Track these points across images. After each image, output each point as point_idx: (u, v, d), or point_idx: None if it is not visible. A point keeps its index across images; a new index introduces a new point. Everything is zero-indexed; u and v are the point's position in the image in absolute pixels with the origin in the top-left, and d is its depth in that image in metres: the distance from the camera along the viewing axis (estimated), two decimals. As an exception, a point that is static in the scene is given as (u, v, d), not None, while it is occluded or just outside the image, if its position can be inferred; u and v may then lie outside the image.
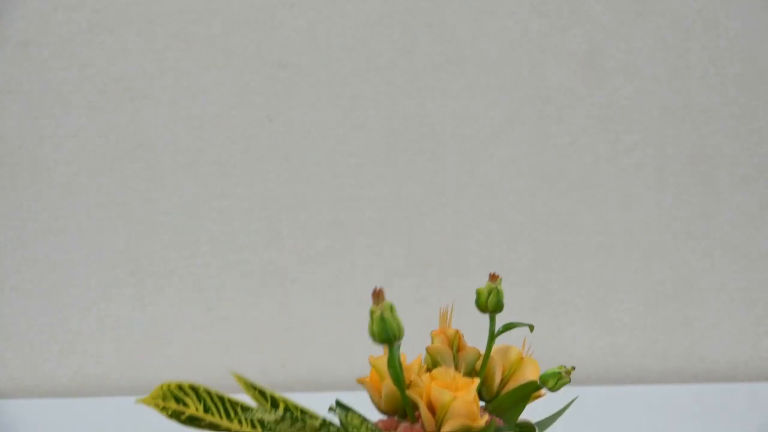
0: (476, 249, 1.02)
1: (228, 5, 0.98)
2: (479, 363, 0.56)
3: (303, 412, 0.51)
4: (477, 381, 0.51)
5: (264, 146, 1.00)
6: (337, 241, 1.01)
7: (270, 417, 0.50)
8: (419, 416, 0.51)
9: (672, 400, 0.99)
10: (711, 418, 0.96)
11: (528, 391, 0.54)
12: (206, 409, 0.51)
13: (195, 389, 0.52)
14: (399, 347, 0.51)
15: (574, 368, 0.54)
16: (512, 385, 0.55)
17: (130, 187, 1.00)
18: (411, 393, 0.51)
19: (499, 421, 0.53)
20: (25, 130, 0.99)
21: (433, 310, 1.08)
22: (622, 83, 1.01)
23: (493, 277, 0.55)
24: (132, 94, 0.99)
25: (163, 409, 0.52)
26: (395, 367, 0.51)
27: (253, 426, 0.50)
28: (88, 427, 0.96)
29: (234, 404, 0.50)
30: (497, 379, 0.56)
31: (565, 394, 0.54)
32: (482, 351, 0.56)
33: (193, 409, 0.51)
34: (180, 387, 0.52)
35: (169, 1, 0.98)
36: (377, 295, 0.51)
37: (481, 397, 0.56)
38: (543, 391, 0.54)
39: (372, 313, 0.50)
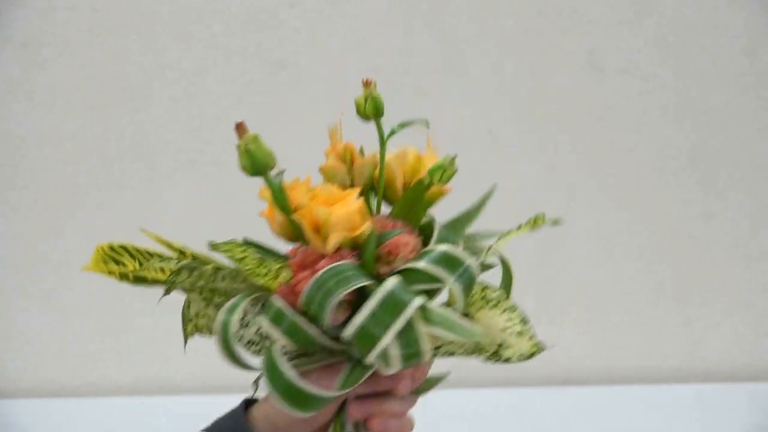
0: (476, 249, 1.02)
1: (228, 5, 0.98)
2: (378, 172, 0.54)
3: (195, 257, 0.52)
4: (354, 191, 0.49)
5: (264, 146, 1.00)
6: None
7: (170, 264, 0.53)
8: None
9: (672, 400, 0.99)
10: (711, 418, 0.96)
11: (419, 190, 0.52)
12: (140, 265, 0.54)
13: (124, 248, 0.54)
14: (281, 175, 0.50)
15: (456, 155, 0.52)
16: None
17: (130, 187, 1.00)
18: (296, 216, 0.50)
19: (391, 225, 0.51)
20: (25, 130, 0.99)
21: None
22: (622, 83, 1.01)
23: (367, 83, 0.54)
24: (132, 94, 0.99)
25: (110, 272, 0.53)
26: (276, 194, 0.51)
27: (163, 272, 0.54)
28: (88, 427, 0.96)
29: (155, 255, 0.54)
30: (399, 183, 0.54)
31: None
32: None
33: (131, 267, 0.54)
34: (112, 248, 0.55)
35: (169, 1, 0.98)
36: (239, 128, 0.50)
37: (391, 204, 0.54)
38: (446, 187, 0.53)
39: (238, 147, 0.49)
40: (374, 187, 0.53)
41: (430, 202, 0.54)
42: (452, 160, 0.52)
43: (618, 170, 1.02)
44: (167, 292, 0.50)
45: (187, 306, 0.53)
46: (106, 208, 1.00)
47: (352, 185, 0.53)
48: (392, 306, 0.46)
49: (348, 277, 0.46)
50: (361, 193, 0.52)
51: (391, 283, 0.47)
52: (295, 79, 0.99)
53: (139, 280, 0.52)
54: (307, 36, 0.99)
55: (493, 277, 0.56)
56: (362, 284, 0.46)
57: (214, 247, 0.49)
